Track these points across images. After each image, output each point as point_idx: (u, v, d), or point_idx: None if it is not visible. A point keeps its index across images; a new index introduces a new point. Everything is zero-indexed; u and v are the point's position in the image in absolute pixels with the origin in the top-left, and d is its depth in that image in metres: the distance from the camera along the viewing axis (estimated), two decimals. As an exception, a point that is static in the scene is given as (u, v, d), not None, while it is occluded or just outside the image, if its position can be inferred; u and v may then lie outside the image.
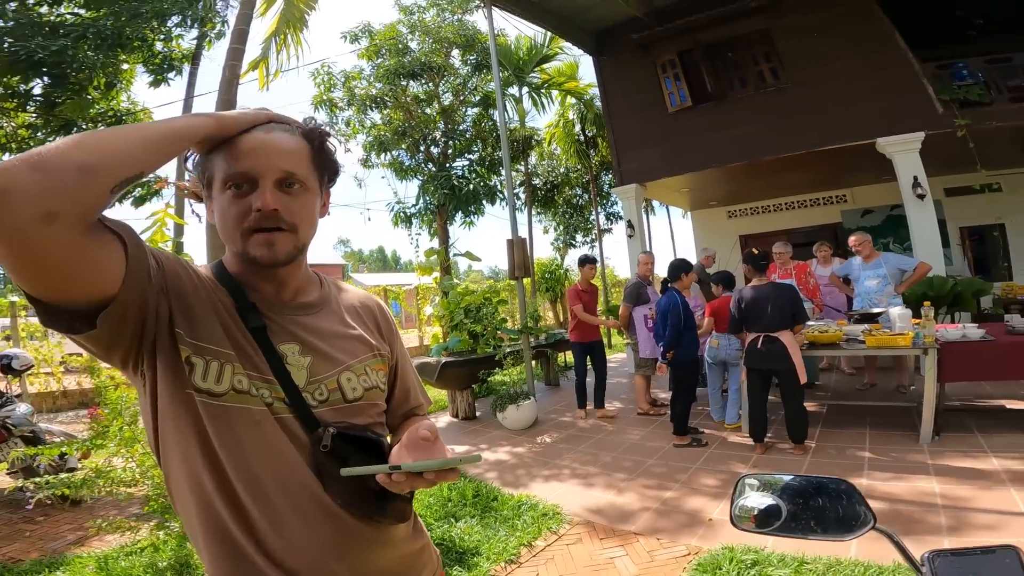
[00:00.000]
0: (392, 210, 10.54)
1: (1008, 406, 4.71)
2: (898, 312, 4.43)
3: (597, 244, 14.25)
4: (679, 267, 4.85)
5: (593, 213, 13.87)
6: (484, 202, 10.36)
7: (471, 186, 9.92)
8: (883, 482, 3.42)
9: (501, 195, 10.41)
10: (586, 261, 5.83)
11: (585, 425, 5.50)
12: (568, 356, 9.34)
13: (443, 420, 6.14)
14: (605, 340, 11.64)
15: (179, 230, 3.51)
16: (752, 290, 4.17)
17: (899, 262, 5.45)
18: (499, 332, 6.46)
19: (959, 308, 5.87)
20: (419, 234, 10.56)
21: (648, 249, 8.70)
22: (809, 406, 4.47)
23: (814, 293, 5.99)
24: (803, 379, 4.02)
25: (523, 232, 9.09)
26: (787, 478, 0.89)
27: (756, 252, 4.31)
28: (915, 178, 6.27)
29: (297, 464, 0.82)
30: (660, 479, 3.89)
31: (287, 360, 0.85)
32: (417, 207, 10.43)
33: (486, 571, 2.81)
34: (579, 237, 14.96)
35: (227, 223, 0.82)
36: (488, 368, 5.79)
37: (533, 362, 8.30)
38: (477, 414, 6.17)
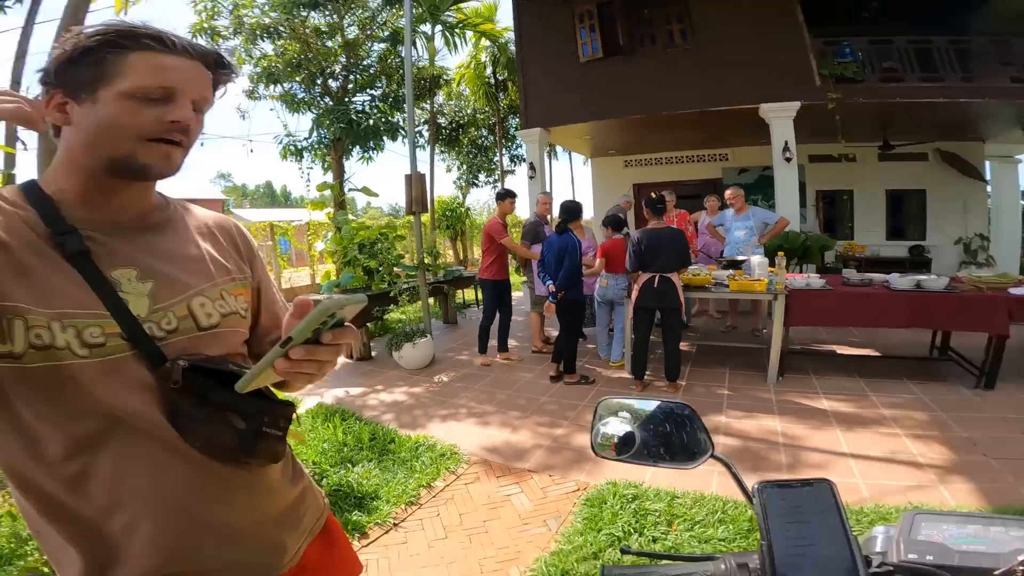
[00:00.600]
0: (280, 143, 9.50)
1: (839, 351, 5.46)
2: (757, 260, 4.86)
3: (500, 184, 14.23)
4: (576, 209, 4.86)
5: (497, 154, 13.81)
6: (385, 138, 9.71)
7: (371, 122, 9.19)
8: (737, 420, 3.79)
9: (403, 132, 9.76)
10: (507, 195, 5.52)
11: (481, 363, 5.53)
12: (467, 294, 9.34)
13: (336, 361, 5.78)
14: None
15: (10, 160, 2.76)
16: (651, 232, 4.28)
17: (764, 216, 5.93)
18: (396, 268, 6.12)
19: (807, 261, 6.58)
20: (311, 168, 9.69)
21: (548, 191, 8.80)
22: (682, 346, 4.85)
23: (691, 240, 6.37)
24: (685, 318, 4.34)
25: (425, 169, 8.72)
26: (638, 403, 0.88)
27: (655, 196, 4.40)
28: (786, 143, 6.79)
29: (140, 410, 0.71)
30: (552, 416, 4.00)
31: (121, 288, 0.73)
32: (309, 140, 9.53)
33: (386, 514, 2.73)
34: (482, 177, 14.95)
35: (123, 128, 0.71)
36: (383, 305, 5.48)
37: (431, 299, 8.17)
38: (372, 354, 5.90)
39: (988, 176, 10.16)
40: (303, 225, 11.62)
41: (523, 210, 8.61)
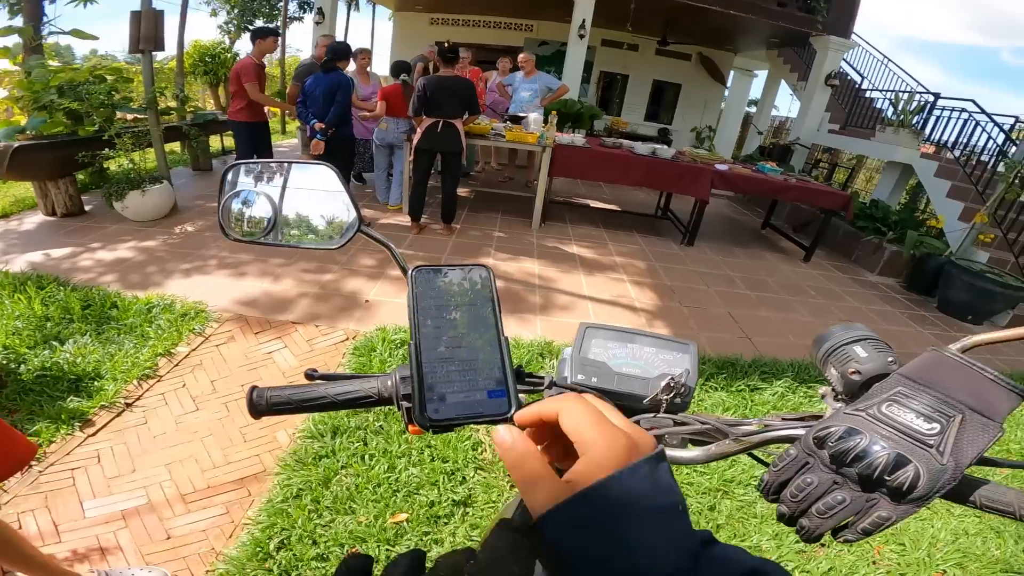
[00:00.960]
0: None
1: (592, 204, 6.17)
2: (533, 117, 5.10)
3: (282, 33, 11.88)
4: (343, 49, 4.46)
5: (281, -1, 11.44)
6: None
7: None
8: (503, 262, 4.01)
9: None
10: (267, 32, 4.52)
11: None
12: (225, 140, 7.80)
13: (32, 220, 4.17)
14: (279, 126, 10.24)
15: None
16: (439, 79, 4.11)
17: (548, 81, 6.13)
18: (120, 112, 4.68)
19: (579, 126, 7.12)
20: (-15, 12, 6.55)
21: (331, 35, 7.56)
22: (462, 192, 4.89)
23: (480, 96, 6.26)
24: (464, 162, 4.36)
25: (173, 11, 6.65)
26: (272, 168, 0.66)
27: (447, 45, 4.20)
28: (583, 21, 6.92)
29: None
30: (320, 261, 3.59)
31: None
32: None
33: (114, 394, 2.23)
34: (260, 23, 12.53)
35: None
36: (93, 150, 4.14)
37: (178, 145, 6.60)
38: (86, 208, 4.48)
39: (729, 83, 12.32)
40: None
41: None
